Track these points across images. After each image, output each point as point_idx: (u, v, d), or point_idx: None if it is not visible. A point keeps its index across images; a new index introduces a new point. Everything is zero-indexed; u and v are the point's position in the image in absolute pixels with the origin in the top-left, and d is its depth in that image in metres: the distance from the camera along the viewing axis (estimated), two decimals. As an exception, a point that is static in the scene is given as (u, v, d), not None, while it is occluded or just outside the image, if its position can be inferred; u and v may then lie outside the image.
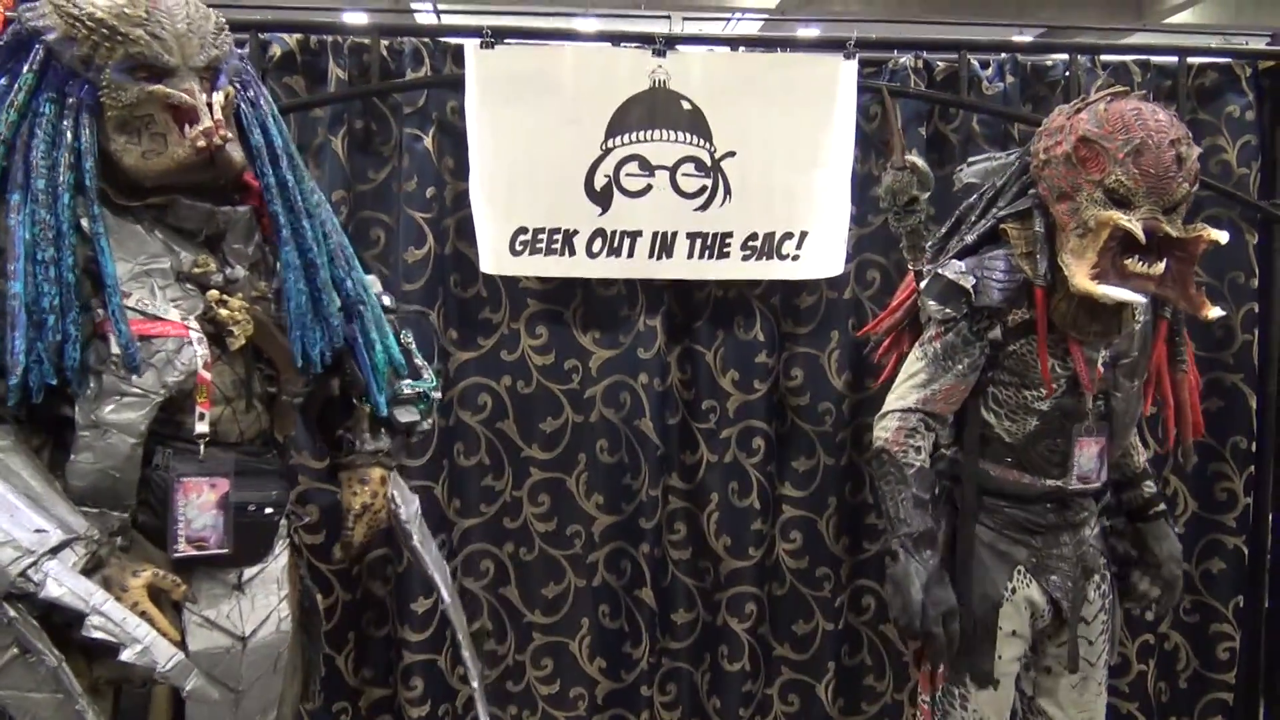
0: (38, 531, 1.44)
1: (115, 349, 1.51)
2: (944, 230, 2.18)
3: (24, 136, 1.51)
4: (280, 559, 1.73)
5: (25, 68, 1.53)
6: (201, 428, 1.59)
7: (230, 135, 1.59)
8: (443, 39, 2.62)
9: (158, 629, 1.48)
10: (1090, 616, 2.11)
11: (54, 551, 1.44)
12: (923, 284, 2.08)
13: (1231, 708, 2.84)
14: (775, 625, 2.80)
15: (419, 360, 1.98)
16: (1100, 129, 1.85)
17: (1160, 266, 1.85)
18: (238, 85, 1.66)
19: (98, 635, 1.43)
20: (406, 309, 2.53)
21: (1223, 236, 1.87)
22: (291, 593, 1.76)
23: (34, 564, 1.42)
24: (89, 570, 1.47)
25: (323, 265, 1.71)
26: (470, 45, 2.52)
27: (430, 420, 2.04)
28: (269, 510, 1.67)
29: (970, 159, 2.26)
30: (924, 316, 2.07)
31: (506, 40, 2.54)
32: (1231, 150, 2.73)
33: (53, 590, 1.42)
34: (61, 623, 1.45)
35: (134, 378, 1.52)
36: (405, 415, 1.93)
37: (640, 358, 2.68)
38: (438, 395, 2.02)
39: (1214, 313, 1.94)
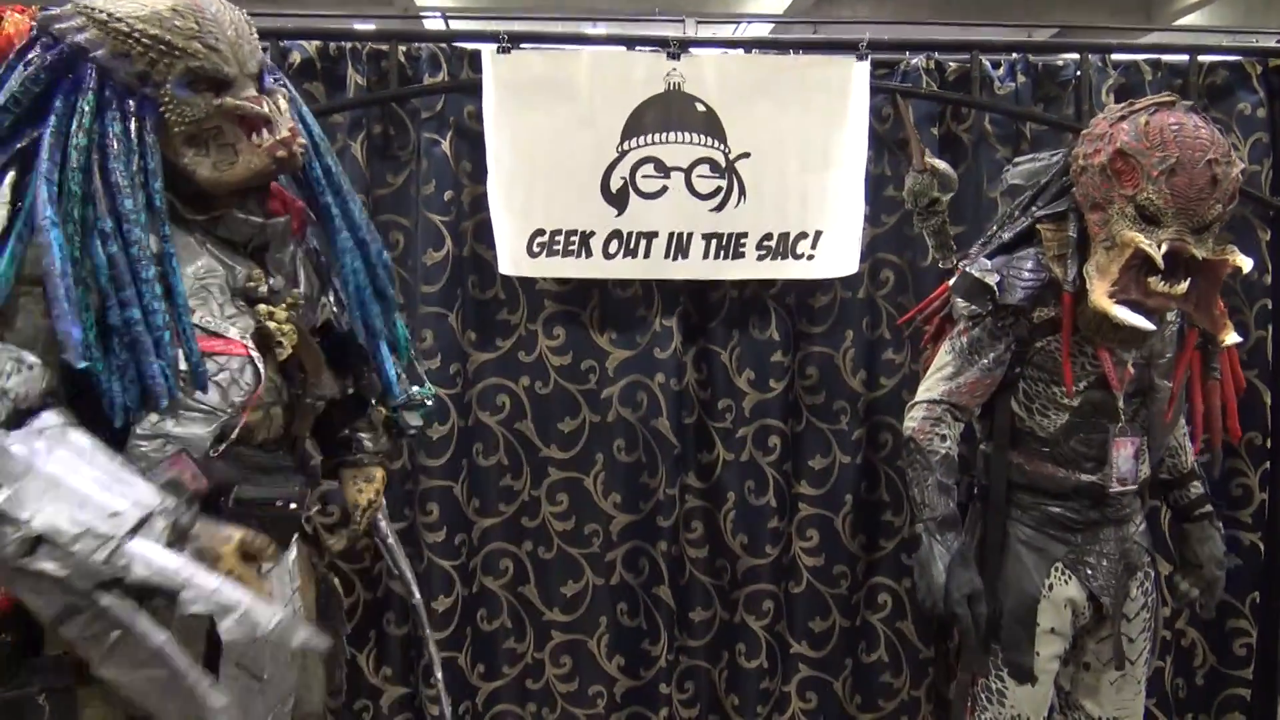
0: (112, 515, 1.37)
1: (183, 365, 1.50)
2: (990, 231, 2.20)
3: (97, 160, 1.48)
4: (291, 552, 1.76)
5: (84, 87, 1.48)
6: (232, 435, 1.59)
7: (304, 141, 1.62)
8: (459, 44, 2.66)
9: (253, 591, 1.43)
10: (1132, 614, 2.12)
11: (133, 532, 1.37)
12: (952, 281, 2.12)
13: (1249, 703, 2.85)
14: (792, 623, 2.82)
15: (420, 370, 2.10)
16: (1139, 143, 1.83)
17: (1183, 287, 1.85)
18: (277, 81, 1.66)
19: (194, 610, 1.36)
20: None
21: (1247, 264, 1.87)
22: (305, 584, 1.79)
23: (116, 549, 1.35)
24: (174, 542, 1.42)
25: (371, 241, 1.77)
26: (487, 50, 2.55)
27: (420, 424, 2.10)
28: (293, 505, 1.68)
29: (1016, 160, 2.27)
30: (954, 313, 2.10)
31: (522, 45, 2.58)
32: (1244, 148, 2.74)
33: (140, 572, 1.35)
34: (161, 603, 1.40)
35: (199, 394, 1.52)
36: (413, 420, 2.02)
37: (657, 358, 2.70)
38: (432, 404, 2.10)
39: (1231, 338, 1.96)
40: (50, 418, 1.45)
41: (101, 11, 1.48)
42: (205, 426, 1.54)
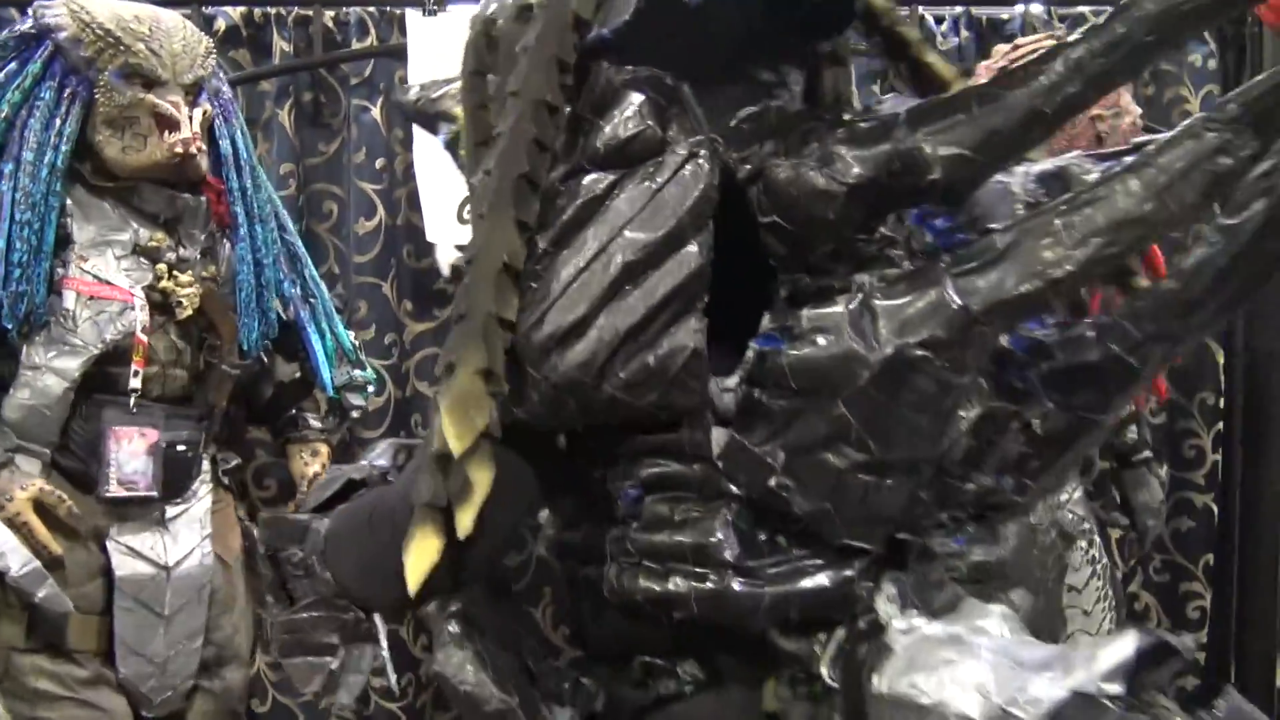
0: None
1: (68, 304, 1.73)
2: None
3: (23, 117, 1.72)
4: (203, 501, 1.91)
5: (35, 57, 1.73)
6: (135, 383, 1.78)
7: (202, 147, 1.81)
8: (386, 8, 2.60)
9: (36, 539, 1.68)
10: (1080, 584, 2.06)
11: None
12: None
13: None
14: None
15: (364, 357, 2.23)
16: None
17: None
18: (216, 103, 1.88)
19: None
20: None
21: None
22: (220, 533, 1.92)
23: None
24: None
25: (268, 265, 1.94)
26: (412, 14, 2.49)
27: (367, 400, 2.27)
28: (181, 448, 1.85)
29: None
30: None
31: (449, 6, 2.51)
32: (1194, 100, 2.67)
33: None
34: None
35: (76, 331, 1.73)
36: (356, 399, 2.17)
37: (596, 325, 2.65)
38: (373, 389, 2.26)
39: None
40: None
41: (77, 3, 1.74)
42: (75, 360, 1.73)
